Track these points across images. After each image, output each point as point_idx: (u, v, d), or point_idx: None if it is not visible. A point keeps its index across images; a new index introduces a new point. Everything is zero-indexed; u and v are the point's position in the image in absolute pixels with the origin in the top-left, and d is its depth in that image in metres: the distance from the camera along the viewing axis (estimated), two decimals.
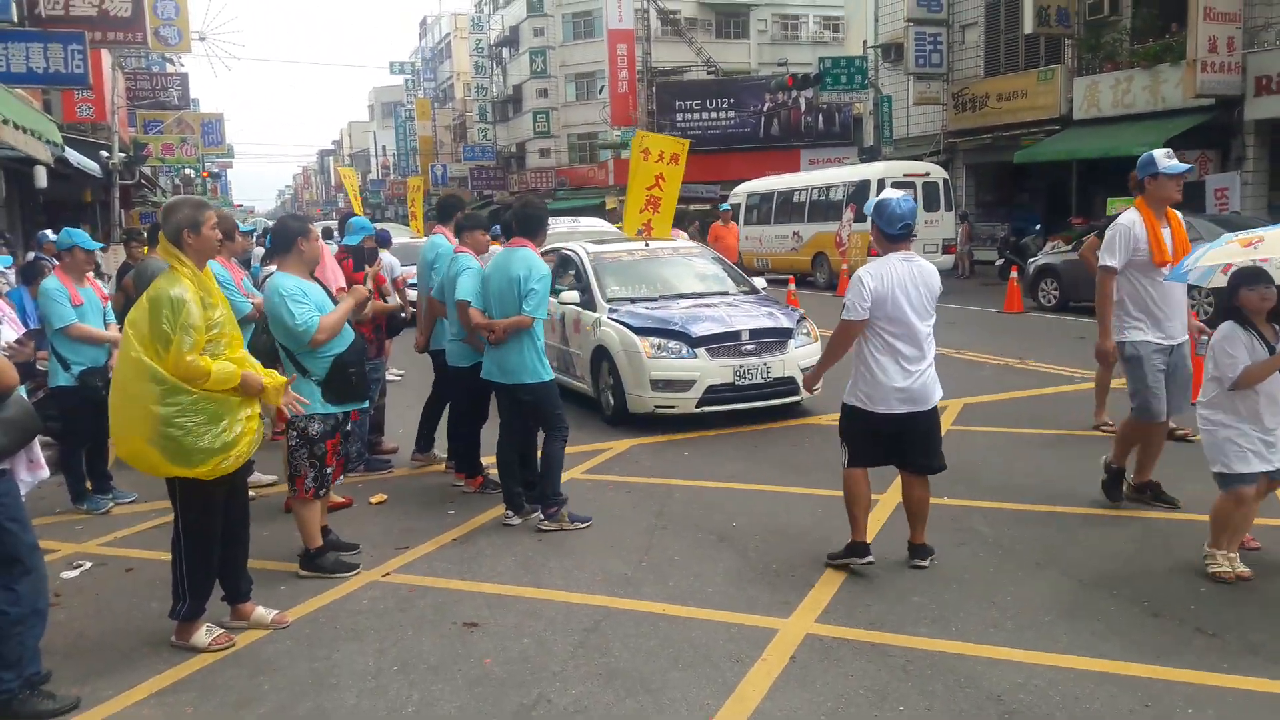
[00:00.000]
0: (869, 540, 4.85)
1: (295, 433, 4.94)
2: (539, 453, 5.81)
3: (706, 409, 7.97)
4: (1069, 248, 16.76)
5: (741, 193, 25.11)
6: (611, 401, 8.28)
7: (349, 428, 5.38)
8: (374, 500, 6.34)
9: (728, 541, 5.39)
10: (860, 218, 21.11)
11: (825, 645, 4.04)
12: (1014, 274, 17.09)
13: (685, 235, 13.49)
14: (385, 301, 7.10)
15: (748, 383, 7.99)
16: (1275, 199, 18.51)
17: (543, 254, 9.81)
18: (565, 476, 6.53)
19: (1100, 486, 5.84)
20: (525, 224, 5.82)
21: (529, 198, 6.80)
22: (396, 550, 5.39)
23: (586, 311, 8.67)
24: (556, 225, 15.08)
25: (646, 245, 9.84)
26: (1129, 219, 5.60)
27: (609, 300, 8.63)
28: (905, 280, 4.60)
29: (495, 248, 6.80)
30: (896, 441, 4.75)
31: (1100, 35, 22.53)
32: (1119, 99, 21.49)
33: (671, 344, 7.94)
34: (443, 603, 4.64)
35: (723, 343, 8.00)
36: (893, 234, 4.65)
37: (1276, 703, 3.51)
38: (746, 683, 3.75)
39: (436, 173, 60.77)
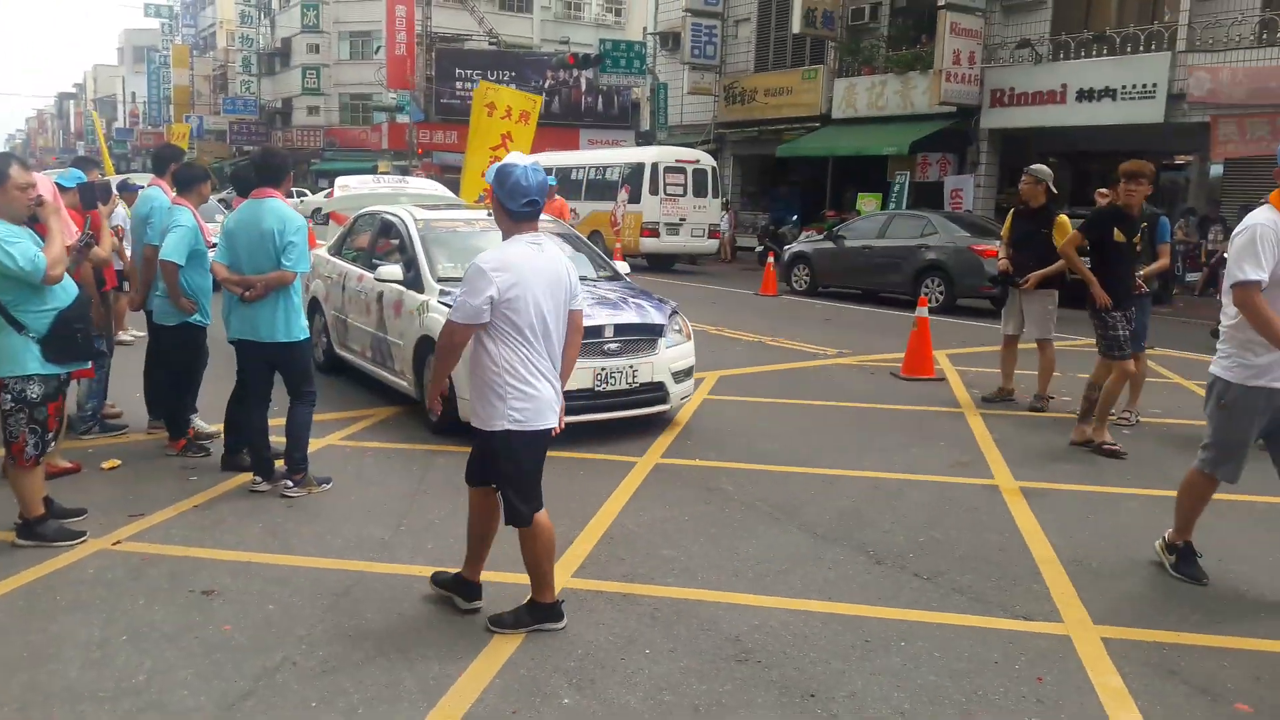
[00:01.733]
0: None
1: (10, 396, 4.46)
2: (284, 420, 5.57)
3: None
4: (820, 237, 18.15)
5: None
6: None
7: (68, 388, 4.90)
8: (106, 465, 5.86)
9: None
10: (634, 199, 21.58)
11: (578, 598, 4.15)
12: (771, 260, 18.28)
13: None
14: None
15: (610, 389, 6.61)
16: (1002, 200, 20.68)
17: (359, 217, 8.88)
18: (321, 443, 6.33)
19: (1173, 570, 4.59)
20: (267, 173, 5.57)
21: (269, 146, 6.59)
22: (130, 517, 5.02)
23: (411, 292, 7.11)
24: (379, 185, 13.70)
25: (488, 215, 7.68)
26: (1266, 217, 4.06)
27: (440, 280, 7.04)
28: (536, 271, 3.64)
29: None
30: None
31: (860, 40, 24.19)
32: (873, 101, 23.18)
33: None
34: (179, 571, 4.37)
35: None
36: (515, 210, 3.65)
37: (974, 634, 3.96)
38: (499, 637, 3.80)
39: (192, 124, 56.62)
